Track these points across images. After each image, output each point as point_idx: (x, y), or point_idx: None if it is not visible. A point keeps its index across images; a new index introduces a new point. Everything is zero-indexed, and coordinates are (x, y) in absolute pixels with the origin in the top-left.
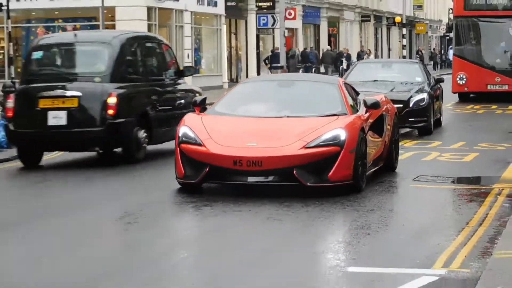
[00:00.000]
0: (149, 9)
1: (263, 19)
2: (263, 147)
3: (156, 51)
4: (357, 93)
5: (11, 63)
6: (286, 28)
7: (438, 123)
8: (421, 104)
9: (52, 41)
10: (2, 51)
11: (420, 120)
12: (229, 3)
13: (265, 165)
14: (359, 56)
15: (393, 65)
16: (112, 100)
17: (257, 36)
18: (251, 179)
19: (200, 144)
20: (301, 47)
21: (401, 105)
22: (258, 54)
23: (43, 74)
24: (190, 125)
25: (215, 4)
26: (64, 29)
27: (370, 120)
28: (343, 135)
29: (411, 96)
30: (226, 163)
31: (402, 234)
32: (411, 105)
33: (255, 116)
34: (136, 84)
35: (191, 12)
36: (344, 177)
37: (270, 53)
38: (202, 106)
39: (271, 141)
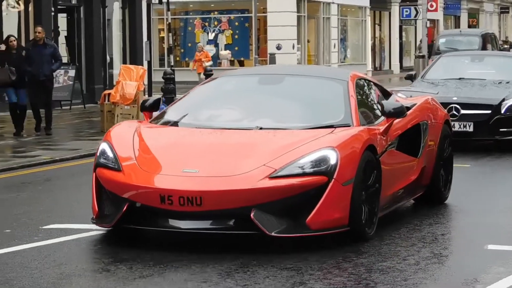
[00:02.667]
0: (298, 1)
1: (406, 11)
2: (206, 175)
3: (494, 39)
4: (388, 94)
5: (170, 52)
6: (428, 19)
7: None
8: None
9: (449, 33)
10: (163, 41)
11: None
12: None
13: (206, 204)
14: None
15: (486, 59)
16: None
17: (400, 27)
18: (185, 225)
19: (118, 170)
20: None
21: (489, 111)
22: (401, 44)
23: (446, 50)
24: (113, 140)
25: None
26: (219, 21)
27: (394, 133)
28: (332, 158)
29: (503, 100)
30: (150, 200)
31: None
32: (503, 111)
33: (211, 127)
34: None
35: (338, 4)
36: (333, 222)
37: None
38: (153, 111)
39: (220, 167)
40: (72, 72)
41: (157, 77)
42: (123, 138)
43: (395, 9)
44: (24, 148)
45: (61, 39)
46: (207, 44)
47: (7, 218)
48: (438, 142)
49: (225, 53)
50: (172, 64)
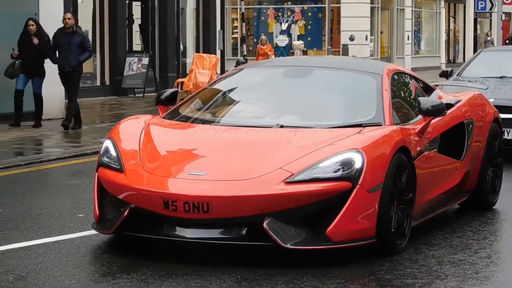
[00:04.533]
0: None
1: (481, 3)
2: (215, 179)
3: None
4: (430, 90)
5: (243, 41)
6: (503, 12)
7: None
8: None
9: None
10: (236, 31)
11: None
12: None
13: (214, 211)
14: None
15: None
16: None
17: (475, 20)
18: (191, 234)
19: (120, 170)
20: None
21: None
22: (475, 37)
23: None
24: (118, 138)
25: None
26: (292, 11)
27: (433, 133)
28: (358, 161)
29: None
30: (153, 205)
31: None
32: None
33: (227, 124)
34: None
35: None
36: (357, 233)
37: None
38: (169, 105)
39: (232, 170)
40: (145, 60)
41: (230, 66)
42: (130, 135)
43: (470, 1)
44: (96, 135)
45: (135, 27)
46: (280, 34)
47: (80, 203)
48: (485, 142)
49: (298, 44)
50: (245, 53)
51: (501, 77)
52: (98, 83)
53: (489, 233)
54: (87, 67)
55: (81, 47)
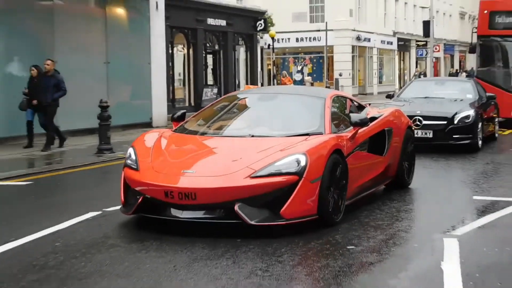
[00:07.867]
0: (353, 46)
1: (420, 52)
2: (200, 175)
3: None
4: (362, 107)
5: (274, 77)
6: (434, 57)
7: (492, 137)
8: (466, 121)
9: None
10: (269, 71)
11: (465, 137)
12: (400, 43)
13: (199, 198)
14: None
15: (446, 83)
16: None
17: (416, 61)
18: (184, 215)
19: (137, 169)
20: (442, 70)
21: (445, 122)
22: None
23: None
24: (137, 146)
25: (391, 44)
26: (304, 58)
27: (361, 138)
28: (302, 160)
29: (456, 113)
30: (158, 194)
31: None
32: (455, 122)
33: (215, 135)
34: None
35: (377, 48)
36: (303, 212)
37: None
38: (180, 122)
39: (212, 168)
40: (215, 90)
41: None
42: (146, 144)
43: (413, 50)
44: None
45: (209, 70)
46: (297, 72)
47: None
48: (402, 143)
49: (308, 78)
50: (275, 85)
51: (425, 97)
52: (187, 104)
53: (419, 196)
54: (180, 94)
55: (56, 87)
